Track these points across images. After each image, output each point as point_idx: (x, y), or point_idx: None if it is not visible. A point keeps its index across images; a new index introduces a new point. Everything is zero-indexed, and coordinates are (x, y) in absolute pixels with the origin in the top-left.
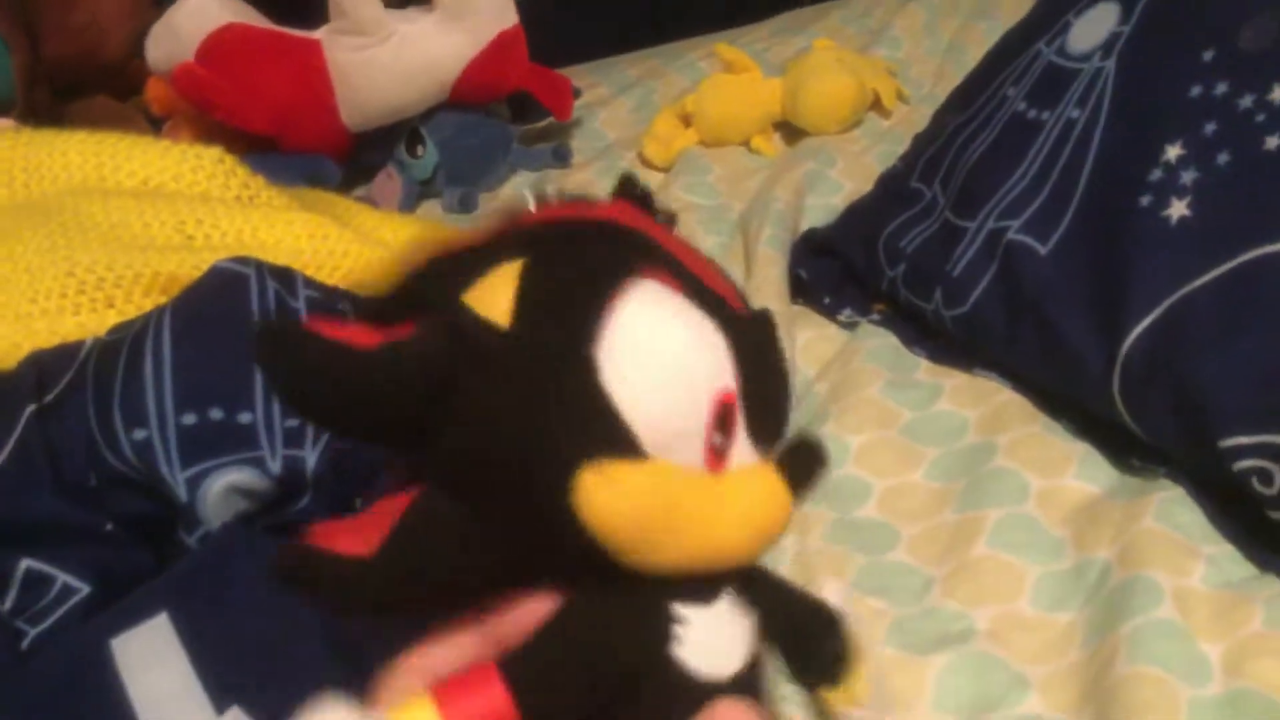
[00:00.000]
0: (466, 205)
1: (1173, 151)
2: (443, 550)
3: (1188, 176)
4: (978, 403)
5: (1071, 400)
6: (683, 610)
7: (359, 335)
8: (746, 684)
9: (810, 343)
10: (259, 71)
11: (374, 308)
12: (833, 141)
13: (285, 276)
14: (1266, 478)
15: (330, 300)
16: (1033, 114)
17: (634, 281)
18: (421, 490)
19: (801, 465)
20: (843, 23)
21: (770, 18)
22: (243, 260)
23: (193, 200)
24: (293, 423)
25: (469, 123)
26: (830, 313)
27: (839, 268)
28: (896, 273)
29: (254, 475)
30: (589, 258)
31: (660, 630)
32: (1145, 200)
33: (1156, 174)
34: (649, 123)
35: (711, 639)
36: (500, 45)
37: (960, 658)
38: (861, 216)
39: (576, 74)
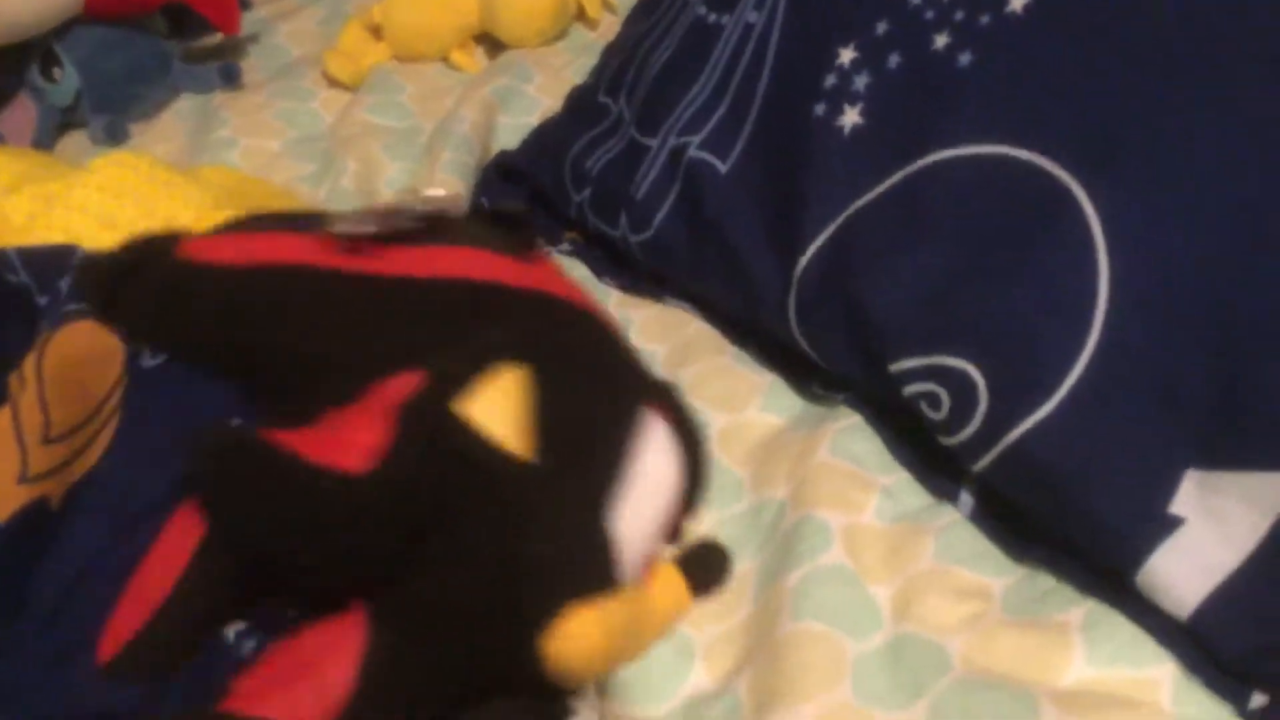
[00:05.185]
0: (114, 134)
1: (846, 55)
2: (399, 696)
3: (860, 81)
4: (667, 336)
5: (757, 327)
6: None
7: (314, 447)
8: None
9: None
10: None
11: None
12: (533, 55)
13: None
14: (935, 402)
15: None
16: (712, 18)
17: (647, 423)
18: (367, 627)
19: (703, 566)
20: None
21: None
22: None
23: None
24: None
25: (113, 39)
26: None
27: (528, 194)
28: (583, 197)
29: None
30: (597, 383)
31: None
32: (820, 109)
33: (831, 80)
34: (338, 36)
35: None
36: None
37: None
38: (549, 136)
39: None
